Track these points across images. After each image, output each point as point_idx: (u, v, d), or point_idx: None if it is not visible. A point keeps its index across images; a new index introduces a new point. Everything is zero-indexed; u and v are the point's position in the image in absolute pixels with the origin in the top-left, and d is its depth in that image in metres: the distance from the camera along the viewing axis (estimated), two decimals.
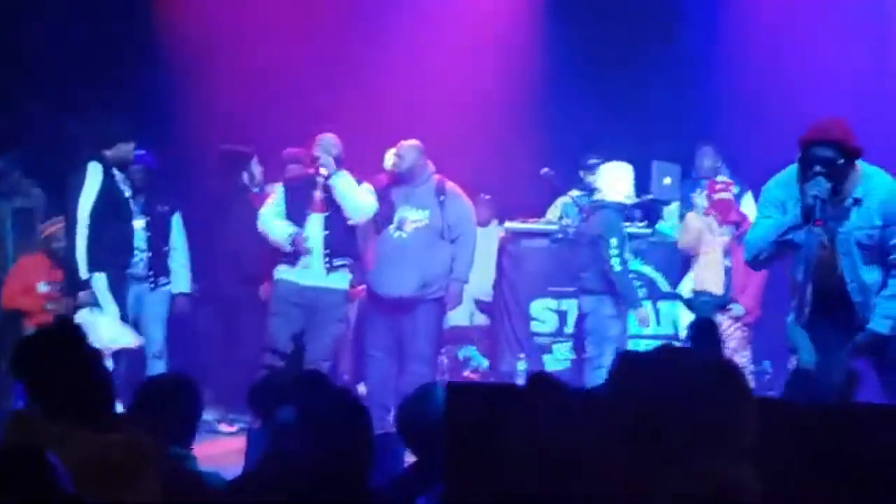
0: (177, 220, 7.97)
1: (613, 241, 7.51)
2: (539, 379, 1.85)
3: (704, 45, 9.46)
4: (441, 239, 7.66)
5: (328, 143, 7.42)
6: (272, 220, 7.38)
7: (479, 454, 1.67)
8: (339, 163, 7.37)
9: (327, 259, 7.34)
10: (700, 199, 7.95)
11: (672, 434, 1.56)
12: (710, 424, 1.55)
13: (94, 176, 6.90)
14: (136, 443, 2.94)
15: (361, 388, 7.93)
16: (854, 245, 5.04)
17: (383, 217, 7.64)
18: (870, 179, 4.99)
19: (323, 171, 7.30)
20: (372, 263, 7.73)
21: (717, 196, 7.78)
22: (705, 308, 7.55)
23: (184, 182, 8.41)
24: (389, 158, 7.77)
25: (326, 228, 7.33)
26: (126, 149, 7.09)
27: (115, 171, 6.99)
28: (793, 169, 5.06)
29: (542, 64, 9.70)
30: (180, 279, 7.90)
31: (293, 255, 7.30)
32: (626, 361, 1.74)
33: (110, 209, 6.97)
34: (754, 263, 5.48)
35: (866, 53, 8.69)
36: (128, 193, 7.13)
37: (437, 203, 7.65)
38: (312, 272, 7.34)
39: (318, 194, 7.44)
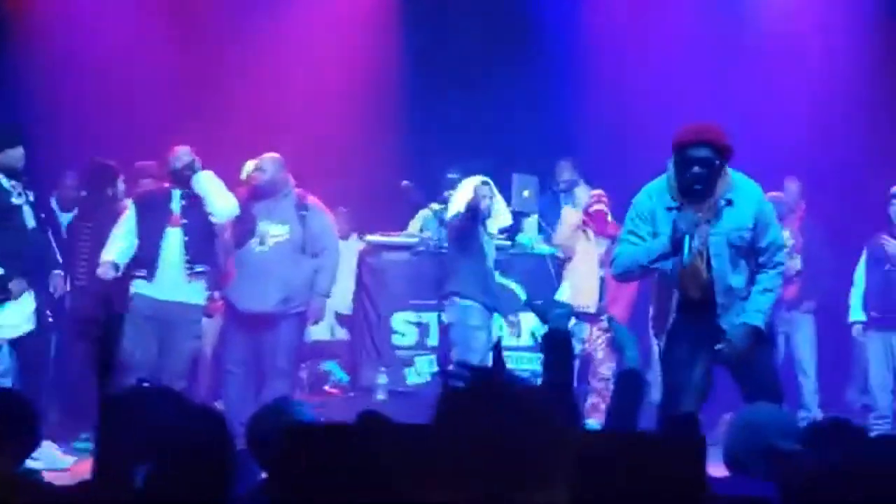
0: None
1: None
2: (368, 418, 1.92)
3: (563, 61, 9.78)
4: (302, 253, 7.68)
5: (185, 155, 7.41)
6: (111, 249, 7.41)
7: (313, 497, 1.69)
8: (193, 169, 7.41)
9: (188, 266, 7.31)
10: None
11: (492, 469, 1.59)
12: (526, 457, 1.60)
13: None
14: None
15: (219, 406, 7.64)
16: (726, 246, 5.18)
17: (243, 231, 7.62)
18: (739, 183, 5.20)
19: (190, 163, 7.32)
20: (231, 278, 7.72)
21: (592, 208, 8.02)
22: (559, 320, 7.65)
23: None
24: (247, 170, 7.73)
25: (186, 235, 7.31)
26: (13, 154, 6.96)
27: (2, 178, 6.87)
28: (662, 180, 5.22)
29: (402, 77, 9.93)
30: None
31: (149, 270, 7.30)
32: (449, 397, 1.77)
33: None
34: (621, 279, 5.73)
35: (718, 70, 9.10)
36: (17, 201, 6.95)
37: (298, 217, 7.68)
38: (168, 286, 7.30)
39: (174, 206, 7.39)
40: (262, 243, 7.69)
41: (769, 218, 5.34)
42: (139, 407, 3.24)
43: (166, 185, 7.62)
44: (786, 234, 8.20)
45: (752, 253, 5.26)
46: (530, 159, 8.95)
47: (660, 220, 5.23)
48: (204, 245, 7.42)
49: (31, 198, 7.21)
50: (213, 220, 7.36)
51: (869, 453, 3.05)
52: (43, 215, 7.25)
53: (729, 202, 5.17)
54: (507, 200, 8.51)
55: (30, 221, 7.07)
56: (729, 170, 5.18)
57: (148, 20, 9.72)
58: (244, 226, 7.69)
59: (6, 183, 6.94)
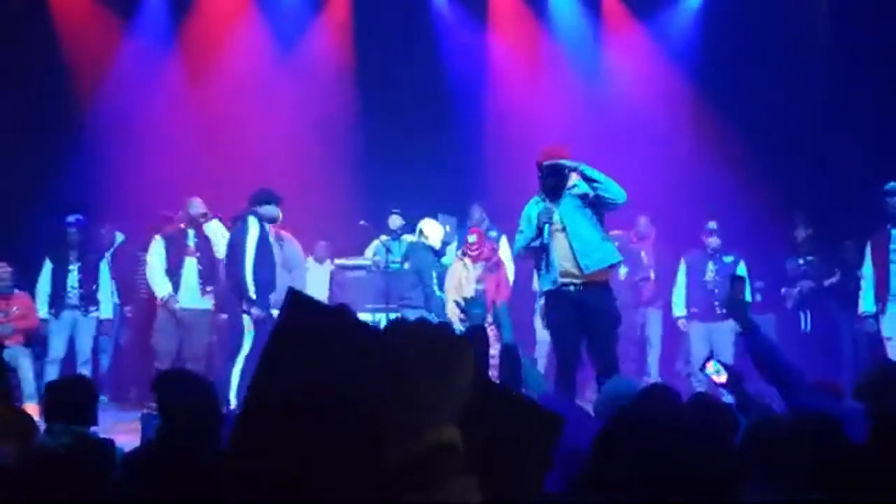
0: (104, 264, 8.78)
1: (433, 273, 8.62)
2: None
3: (476, 131, 10.58)
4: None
5: (196, 204, 8.38)
6: (157, 274, 8.26)
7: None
8: (206, 217, 8.29)
9: (202, 285, 8.23)
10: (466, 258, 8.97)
11: (406, 392, 1.37)
12: (428, 388, 1.38)
13: None
14: (25, 413, 3.66)
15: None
16: (573, 209, 6.08)
17: None
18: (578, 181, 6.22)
19: (203, 213, 8.17)
20: None
21: (470, 253, 8.82)
22: (478, 318, 7.70)
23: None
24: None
25: (200, 265, 8.26)
26: (269, 210, 7.87)
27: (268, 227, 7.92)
28: (535, 198, 6.28)
29: (363, 147, 10.66)
30: (105, 308, 8.78)
31: (173, 287, 8.20)
32: (392, 325, 1.54)
33: None
34: (517, 259, 6.59)
35: (590, 137, 9.48)
36: (273, 241, 7.93)
37: (279, 246, 8.45)
38: (188, 298, 8.24)
39: (190, 243, 8.29)
40: None
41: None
42: (165, 384, 3.60)
43: (182, 225, 8.37)
44: (642, 254, 9.36)
45: (593, 205, 6.10)
46: (452, 203, 9.55)
47: (534, 215, 6.17)
48: (211, 271, 8.34)
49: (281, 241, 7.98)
50: (218, 255, 8.27)
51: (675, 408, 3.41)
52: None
53: (574, 185, 6.18)
54: None
55: (279, 256, 8.12)
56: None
57: (168, 97, 10.45)
58: None
59: (267, 228, 7.92)
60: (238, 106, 10.42)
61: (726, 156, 9.84)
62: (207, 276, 8.37)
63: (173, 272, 8.28)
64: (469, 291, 8.69)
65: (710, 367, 4.06)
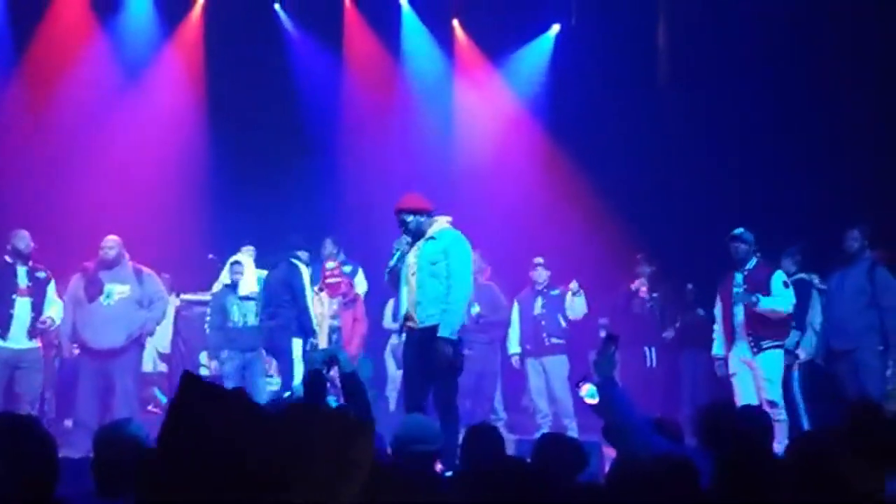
0: None
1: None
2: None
3: (328, 168, 10.63)
4: (139, 306, 8.21)
5: (23, 236, 7.88)
6: None
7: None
8: (30, 254, 7.83)
9: (30, 330, 7.79)
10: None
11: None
12: (329, 470, 1.35)
13: None
14: None
15: (68, 423, 8.44)
16: (426, 262, 6.22)
17: (95, 290, 8.12)
18: (446, 231, 6.32)
19: (30, 247, 7.78)
20: (85, 325, 8.10)
21: (328, 281, 8.73)
22: (314, 361, 7.99)
23: None
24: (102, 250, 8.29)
25: (33, 311, 7.80)
26: None
27: None
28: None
29: (213, 178, 10.53)
30: None
31: (2, 330, 7.73)
32: (292, 407, 1.50)
33: None
34: (389, 283, 6.61)
35: (437, 177, 9.99)
36: None
37: (137, 280, 8.21)
38: (18, 340, 7.79)
39: (21, 282, 7.82)
40: (108, 297, 8.09)
41: (454, 252, 6.23)
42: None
43: (7, 259, 7.83)
44: None
45: (444, 277, 6.20)
46: (304, 237, 9.05)
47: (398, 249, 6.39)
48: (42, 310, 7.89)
49: None
50: (50, 314, 7.86)
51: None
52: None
53: (433, 238, 6.28)
54: None
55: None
56: (441, 219, 6.34)
57: (6, 123, 10.02)
58: (95, 287, 8.08)
59: None
60: (81, 133, 10.15)
61: (575, 196, 10.09)
62: (39, 315, 7.91)
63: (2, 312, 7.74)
64: (325, 327, 8.59)
65: (585, 389, 4.02)
